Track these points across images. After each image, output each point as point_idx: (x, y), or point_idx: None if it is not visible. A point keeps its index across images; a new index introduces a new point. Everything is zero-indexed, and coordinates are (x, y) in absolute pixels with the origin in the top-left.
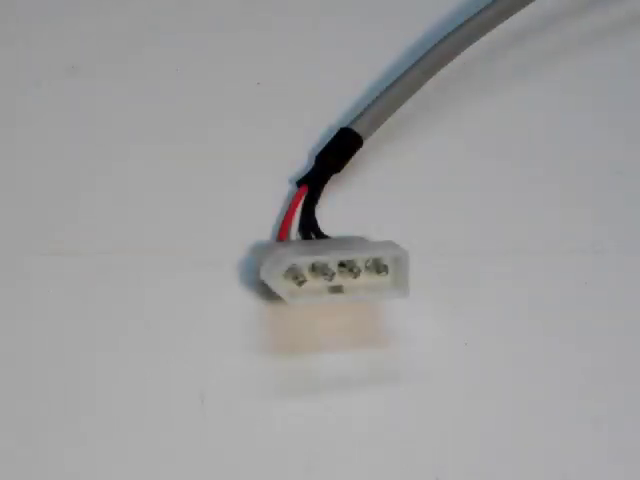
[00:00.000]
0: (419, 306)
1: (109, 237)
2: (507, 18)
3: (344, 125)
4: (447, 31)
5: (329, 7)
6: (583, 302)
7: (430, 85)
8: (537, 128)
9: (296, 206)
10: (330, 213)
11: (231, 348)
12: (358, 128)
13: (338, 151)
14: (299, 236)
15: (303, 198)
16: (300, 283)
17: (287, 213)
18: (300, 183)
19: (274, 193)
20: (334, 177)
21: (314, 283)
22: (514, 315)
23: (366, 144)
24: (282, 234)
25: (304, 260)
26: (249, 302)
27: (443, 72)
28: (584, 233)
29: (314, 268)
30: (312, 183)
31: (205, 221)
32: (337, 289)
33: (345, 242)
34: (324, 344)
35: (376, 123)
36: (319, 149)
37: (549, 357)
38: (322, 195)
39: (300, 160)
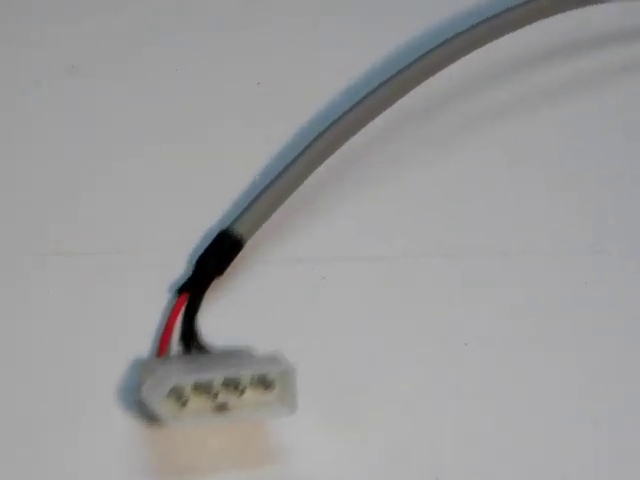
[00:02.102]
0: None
1: (109, 237)
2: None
3: (225, 226)
4: (447, 30)
5: (329, 7)
6: (583, 302)
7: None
8: (537, 127)
9: (176, 316)
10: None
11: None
12: (238, 229)
13: (218, 255)
14: (181, 348)
15: (184, 307)
16: (183, 403)
17: (167, 325)
18: (180, 291)
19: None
20: (216, 282)
21: (198, 402)
22: (514, 315)
23: (248, 244)
24: (162, 349)
25: (186, 379)
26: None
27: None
28: (584, 233)
29: (197, 386)
30: (192, 290)
31: (205, 221)
32: (223, 407)
33: (230, 356)
34: (213, 466)
35: (258, 222)
36: (199, 252)
37: (549, 357)
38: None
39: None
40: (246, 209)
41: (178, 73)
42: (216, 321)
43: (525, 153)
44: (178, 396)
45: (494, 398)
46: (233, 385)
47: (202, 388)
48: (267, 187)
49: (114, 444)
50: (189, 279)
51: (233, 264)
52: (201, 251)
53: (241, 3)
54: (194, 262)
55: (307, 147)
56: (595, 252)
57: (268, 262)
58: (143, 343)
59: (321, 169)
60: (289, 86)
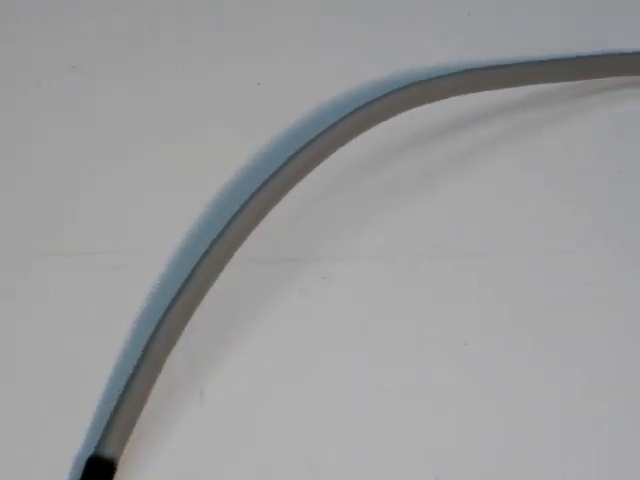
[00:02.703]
0: None
1: (109, 237)
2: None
3: (91, 450)
4: (447, 29)
5: (329, 7)
6: (583, 302)
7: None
8: (536, 127)
9: None
10: None
11: None
12: (108, 451)
13: None
14: None
15: None
16: None
17: None
18: None
19: None
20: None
21: None
22: (514, 315)
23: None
24: None
25: None
26: None
27: None
28: (584, 233)
29: None
30: None
31: (205, 221)
32: None
33: None
34: None
35: (126, 435)
36: None
37: (549, 357)
38: None
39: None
40: (109, 425)
41: (178, 73)
42: None
43: (524, 153)
44: None
45: (494, 398)
46: None
47: None
48: (125, 394)
49: None
50: None
51: None
52: None
53: (241, 3)
54: None
55: (146, 348)
56: (595, 252)
57: (268, 262)
58: None
59: (320, 170)
60: (289, 86)
